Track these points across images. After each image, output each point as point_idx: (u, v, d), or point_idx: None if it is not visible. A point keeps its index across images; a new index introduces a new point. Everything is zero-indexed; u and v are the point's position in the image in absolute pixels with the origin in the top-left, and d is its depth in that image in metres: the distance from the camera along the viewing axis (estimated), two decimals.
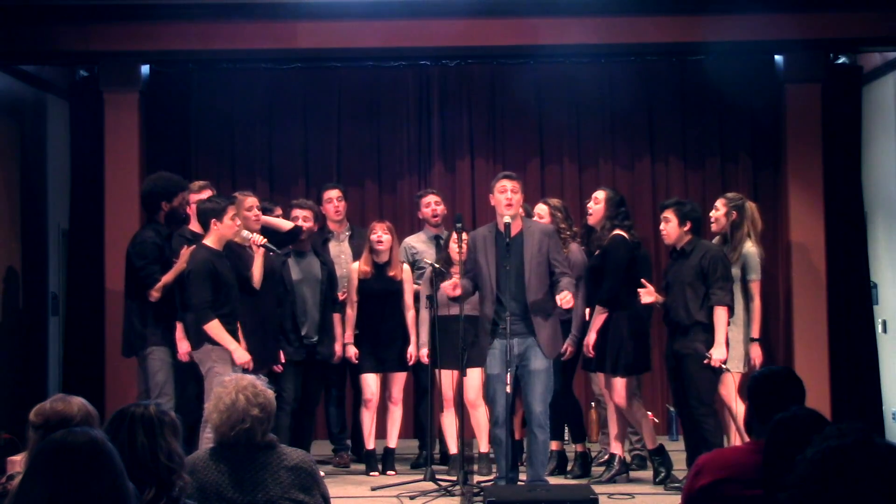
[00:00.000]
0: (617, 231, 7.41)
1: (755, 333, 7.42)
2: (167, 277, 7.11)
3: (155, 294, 7.11)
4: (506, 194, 6.84)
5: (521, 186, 6.95)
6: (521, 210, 7.10)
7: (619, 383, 7.34)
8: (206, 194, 7.36)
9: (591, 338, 7.36)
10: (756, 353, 7.40)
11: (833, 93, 8.95)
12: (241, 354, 6.73)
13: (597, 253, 7.48)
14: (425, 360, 7.76)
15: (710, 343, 6.94)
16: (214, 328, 6.71)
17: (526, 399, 6.88)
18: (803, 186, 8.80)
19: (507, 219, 6.80)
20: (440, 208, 8.28)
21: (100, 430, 2.72)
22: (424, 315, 7.79)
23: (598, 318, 7.36)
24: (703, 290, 7.02)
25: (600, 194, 7.61)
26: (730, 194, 7.77)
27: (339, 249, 8.30)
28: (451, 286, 6.84)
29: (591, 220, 7.61)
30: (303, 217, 7.91)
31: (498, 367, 6.77)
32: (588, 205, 7.68)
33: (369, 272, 7.85)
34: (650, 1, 8.62)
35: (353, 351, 7.84)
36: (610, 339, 7.32)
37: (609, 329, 7.32)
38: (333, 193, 8.38)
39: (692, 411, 7.00)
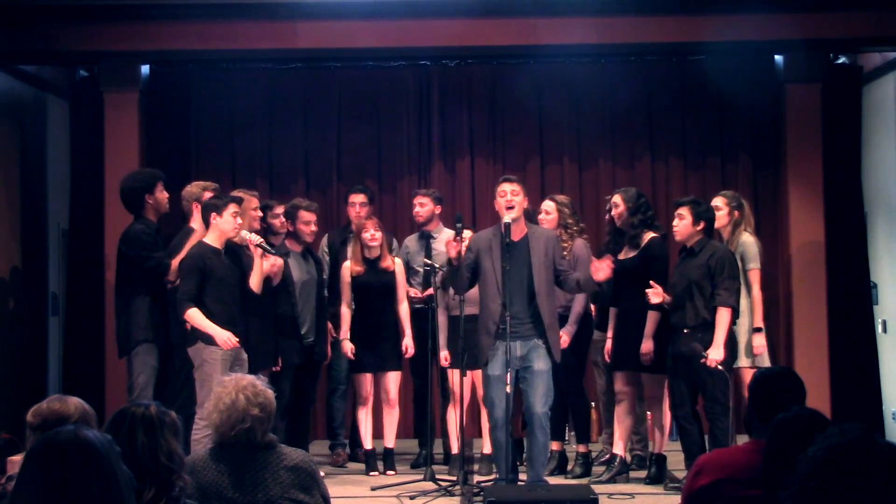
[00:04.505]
0: (651, 233, 7.42)
1: (758, 323, 7.41)
2: (176, 262, 7.15)
3: (173, 277, 7.13)
4: (505, 197, 6.89)
5: (522, 189, 6.97)
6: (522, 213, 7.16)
7: (660, 381, 7.35)
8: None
9: (649, 344, 7.25)
10: (758, 342, 7.38)
11: (833, 93, 8.95)
12: (220, 333, 6.70)
13: (633, 254, 7.41)
14: (445, 363, 7.77)
15: (709, 343, 6.94)
16: (194, 316, 6.74)
17: (528, 400, 6.87)
18: (803, 186, 8.80)
19: (506, 219, 6.83)
20: (425, 210, 8.26)
21: (91, 429, 2.70)
22: (443, 319, 7.80)
23: (654, 323, 7.28)
24: (710, 290, 7.01)
25: (617, 198, 7.57)
26: (727, 193, 7.78)
27: None
28: (455, 243, 6.83)
29: (618, 223, 7.57)
30: (314, 221, 7.93)
31: (499, 369, 6.78)
32: (612, 211, 7.61)
33: (362, 270, 7.87)
34: (650, 1, 8.62)
35: (349, 346, 7.84)
36: (658, 339, 7.30)
37: (659, 329, 7.29)
38: (358, 198, 8.40)
39: (707, 411, 7.01)
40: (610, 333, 7.59)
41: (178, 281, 7.00)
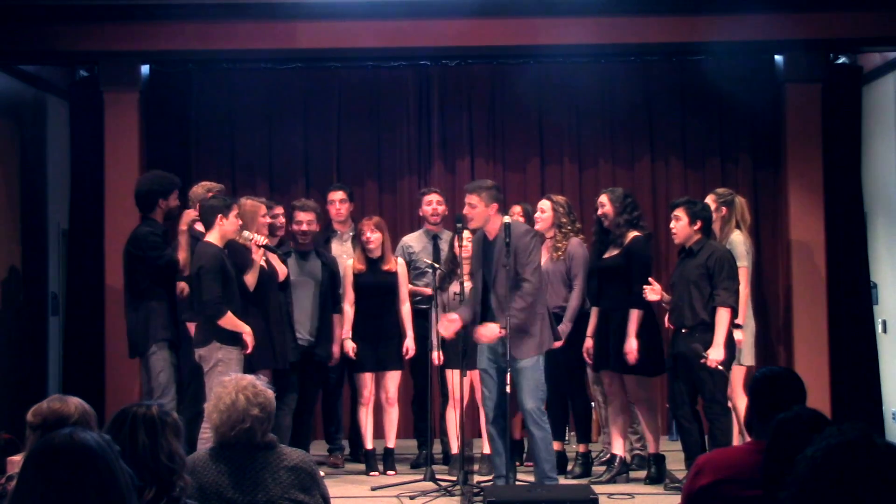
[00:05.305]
0: (634, 232, 7.42)
1: (740, 320, 7.40)
2: (181, 256, 7.16)
3: (185, 272, 7.14)
4: (466, 209, 6.90)
5: (481, 196, 6.81)
6: (518, 210, 7.20)
7: (642, 382, 7.37)
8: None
9: (632, 343, 7.23)
10: (737, 337, 7.35)
11: (833, 93, 8.95)
12: (252, 336, 6.80)
13: (616, 253, 7.44)
14: (437, 362, 7.75)
15: (709, 343, 6.94)
16: (229, 320, 6.74)
17: (518, 398, 6.78)
18: (803, 186, 8.80)
19: (507, 219, 6.85)
20: (441, 208, 8.30)
21: (89, 430, 2.70)
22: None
23: (636, 321, 7.27)
24: (709, 290, 7.02)
25: (603, 198, 7.59)
26: (719, 190, 7.84)
27: (342, 249, 8.31)
28: (448, 325, 6.83)
29: (605, 223, 7.57)
30: (307, 221, 7.92)
31: (485, 363, 6.85)
32: (598, 211, 7.64)
33: (363, 269, 7.88)
34: (650, 1, 8.62)
35: (350, 345, 7.84)
36: (642, 339, 7.28)
37: (644, 329, 7.30)
38: (336, 195, 8.39)
39: (706, 411, 7.01)
40: (590, 332, 7.58)
41: (197, 285, 7.02)
